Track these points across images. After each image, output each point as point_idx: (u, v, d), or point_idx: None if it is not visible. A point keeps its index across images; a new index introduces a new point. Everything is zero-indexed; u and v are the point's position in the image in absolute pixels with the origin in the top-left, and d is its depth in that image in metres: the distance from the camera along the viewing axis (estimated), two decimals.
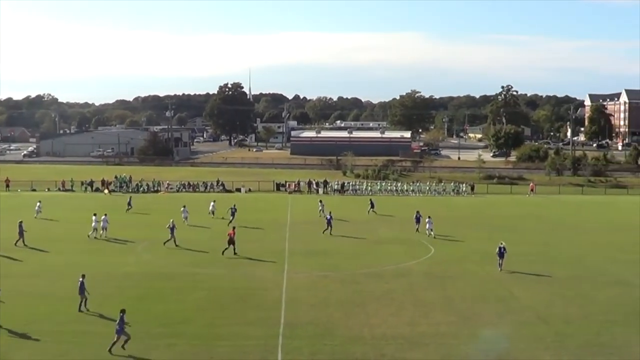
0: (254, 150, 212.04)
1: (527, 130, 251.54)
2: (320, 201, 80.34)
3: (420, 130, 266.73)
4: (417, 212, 69.18)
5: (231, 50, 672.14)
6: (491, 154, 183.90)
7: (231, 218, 71.46)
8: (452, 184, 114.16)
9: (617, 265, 53.50)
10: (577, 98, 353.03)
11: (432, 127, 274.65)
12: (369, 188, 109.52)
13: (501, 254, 51.03)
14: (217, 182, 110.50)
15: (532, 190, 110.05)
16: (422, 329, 35.62)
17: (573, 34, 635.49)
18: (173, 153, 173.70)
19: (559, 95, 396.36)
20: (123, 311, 32.84)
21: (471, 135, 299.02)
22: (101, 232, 62.01)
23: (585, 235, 68.95)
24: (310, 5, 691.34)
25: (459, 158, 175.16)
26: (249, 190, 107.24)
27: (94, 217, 62.88)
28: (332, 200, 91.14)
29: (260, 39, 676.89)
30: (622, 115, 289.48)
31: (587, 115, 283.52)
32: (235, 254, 54.56)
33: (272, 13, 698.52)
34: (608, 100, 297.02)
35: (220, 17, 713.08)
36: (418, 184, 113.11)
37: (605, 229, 73.23)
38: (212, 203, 78.34)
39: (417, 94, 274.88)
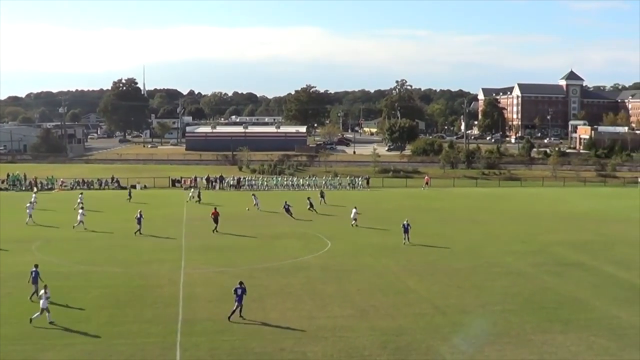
0: (149, 146, 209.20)
1: (422, 124, 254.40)
2: (254, 195, 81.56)
3: (315, 125, 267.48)
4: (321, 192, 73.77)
5: (125, 45, 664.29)
6: (386, 148, 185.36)
7: (198, 199, 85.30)
8: (347, 177, 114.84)
9: (511, 255, 54.50)
10: (471, 92, 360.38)
11: (327, 122, 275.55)
12: (265, 183, 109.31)
13: (406, 229, 58.56)
14: (112, 179, 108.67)
15: (427, 183, 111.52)
16: (321, 323, 35.59)
17: (466, 29, 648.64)
18: (67, 150, 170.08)
19: (452, 90, 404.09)
20: (242, 283, 37.07)
21: (366, 129, 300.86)
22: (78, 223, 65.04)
23: (479, 226, 70.10)
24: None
25: (354, 152, 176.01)
26: (145, 186, 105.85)
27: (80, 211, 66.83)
28: (229, 196, 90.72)
29: (154, 34, 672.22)
30: (515, 109, 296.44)
31: (480, 108, 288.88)
32: (215, 231, 62.96)
33: (166, 7, 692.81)
34: (501, 94, 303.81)
35: (114, 11, 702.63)
36: (314, 179, 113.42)
37: (500, 221, 74.60)
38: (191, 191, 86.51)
39: (312, 89, 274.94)
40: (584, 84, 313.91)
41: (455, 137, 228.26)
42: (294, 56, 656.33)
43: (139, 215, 63.03)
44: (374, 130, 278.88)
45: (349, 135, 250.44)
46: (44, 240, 58.89)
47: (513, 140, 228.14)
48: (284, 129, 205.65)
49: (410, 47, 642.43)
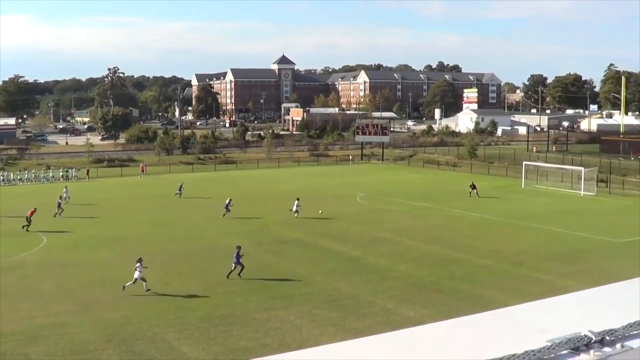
0: None
1: (136, 111, 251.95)
2: (66, 187, 77.25)
3: (25, 117, 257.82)
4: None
5: None
6: (100, 137, 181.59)
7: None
8: (61, 169, 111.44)
9: (231, 237, 54.94)
10: (185, 78, 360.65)
11: (37, 113, 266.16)
12: None
13: (227, 206, 64.75)
14: None
15: (142, 170, 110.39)
16: (41, 322, 34.25)
17: (177, 15, 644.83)
18: None
19: (166, 76, 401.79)
20: (239, 247, 42.46)
21: (78, 119, 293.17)
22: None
23: (199, 210, 70.34)
24: None
25: (67, 143, 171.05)
26: None
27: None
28: None
29: None
30: (229, 94, 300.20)
31: (194, 94, 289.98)
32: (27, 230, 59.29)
33: None
34: (215, 79, 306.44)
35: None
36: (26, 173, 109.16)
37: (218, 204, 75.15)
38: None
39: (20, 79, 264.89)
40: (295, 68, 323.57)
41: (163, 123, 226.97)
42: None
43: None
44: (86, 119, 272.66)
45: (61, 125, 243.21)
46: None
47: (227, 125, 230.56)
48: None
49: (121, 34, 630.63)
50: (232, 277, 41.55)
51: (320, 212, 66.21)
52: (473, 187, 78.73)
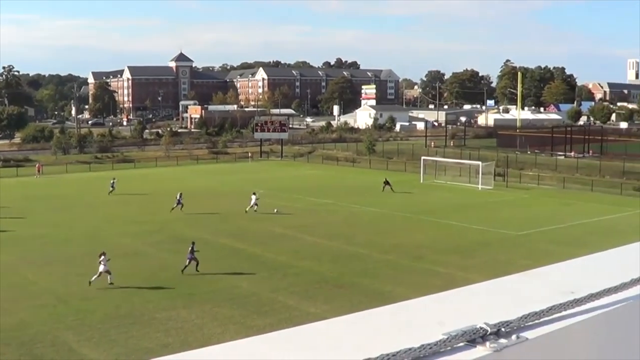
0: None
1: (31, 110, 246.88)
2: None
3: None
4: None
5: None
6: None
7: None
8: None
9: (128, 237, 54.61)
10: (81, 76, 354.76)
11: None
12: None
13: (178, 201, 65.60)
14: None
15: (38, 171, 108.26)
16: None
17: (70, 12, 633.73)
18: None
19: (62, 74, 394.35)
20: (193, 243, 43.86)
21: None
22: None
23: (96, 210, 69.21)
24: None
25: None
26: None
27: None
28: None
29: None
30: (126, 92, 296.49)
31: (91, 92, 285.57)
32: None
33: None
34: (112, 77, 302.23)
35: None
36: None
37: (115, 203, 74.22)
38: None
39: None
40: (193, 65, 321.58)
41: (55, 122, 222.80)
42: None
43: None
44: None
45: None
46: None
47: (125, 123, 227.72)
48: None
49: (14, 31, 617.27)
50: (186, 272, 42.33)
51: (275, 210, 66.23)
52: (386, 182, 79.80)
